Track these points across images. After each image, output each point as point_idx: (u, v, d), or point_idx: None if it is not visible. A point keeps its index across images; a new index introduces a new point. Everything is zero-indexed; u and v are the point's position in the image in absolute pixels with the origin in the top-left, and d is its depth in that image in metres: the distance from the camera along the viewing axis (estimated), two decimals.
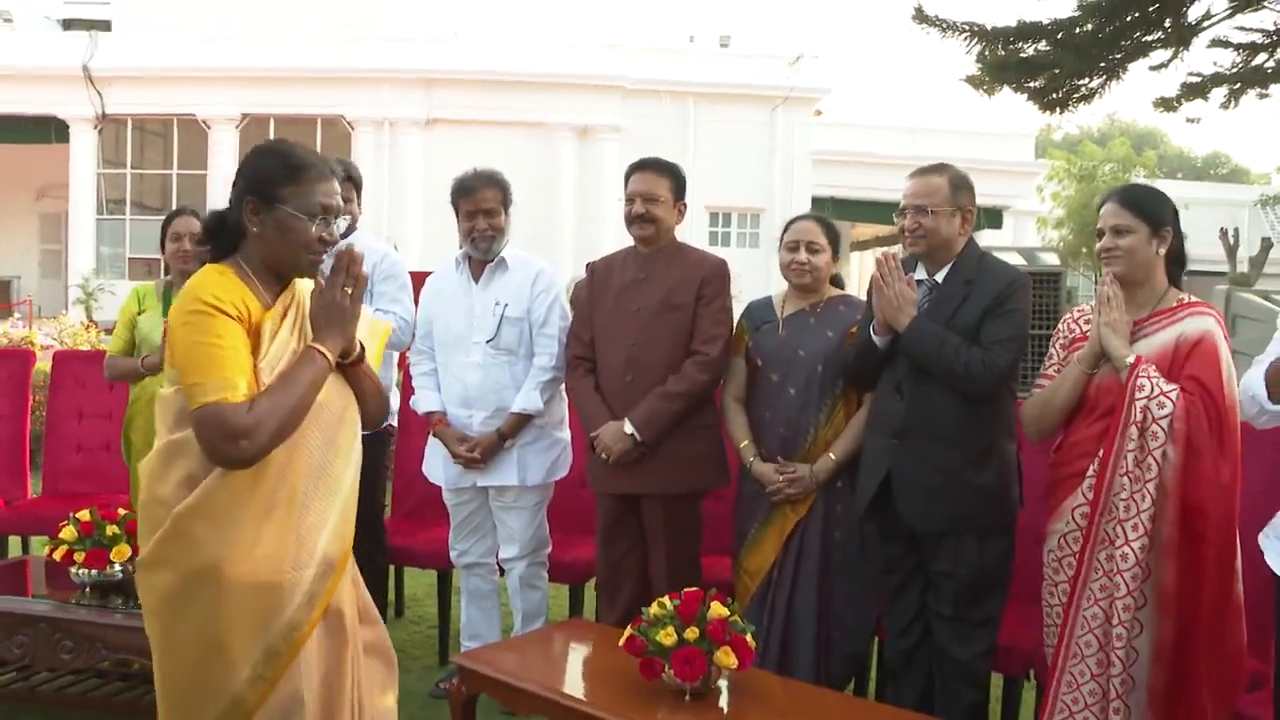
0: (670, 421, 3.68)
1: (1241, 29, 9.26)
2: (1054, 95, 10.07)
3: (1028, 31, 9.59)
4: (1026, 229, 29.89)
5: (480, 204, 3.96)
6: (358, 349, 2.36)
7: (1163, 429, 2.81)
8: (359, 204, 4.25)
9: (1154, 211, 3.02)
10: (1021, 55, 9.68)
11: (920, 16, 9.63)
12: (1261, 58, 9.16)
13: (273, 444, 2.12)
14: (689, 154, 23.19)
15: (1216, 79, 9.60)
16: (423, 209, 22.68)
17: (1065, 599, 3.03)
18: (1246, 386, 2.70)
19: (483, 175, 4.02)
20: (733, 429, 3.77)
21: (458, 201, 4.01)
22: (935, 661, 3.40)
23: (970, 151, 27.21)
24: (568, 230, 23.57)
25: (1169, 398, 2.81)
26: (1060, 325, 3.24)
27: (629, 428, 3.67)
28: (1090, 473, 2.96)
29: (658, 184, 3.81)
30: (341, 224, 2.37)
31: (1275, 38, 9.03)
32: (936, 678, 3.41)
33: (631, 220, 3.81)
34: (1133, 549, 2.82)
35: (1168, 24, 9.14)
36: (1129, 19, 9.19)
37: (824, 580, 3.59)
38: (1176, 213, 3.07)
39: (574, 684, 3.13)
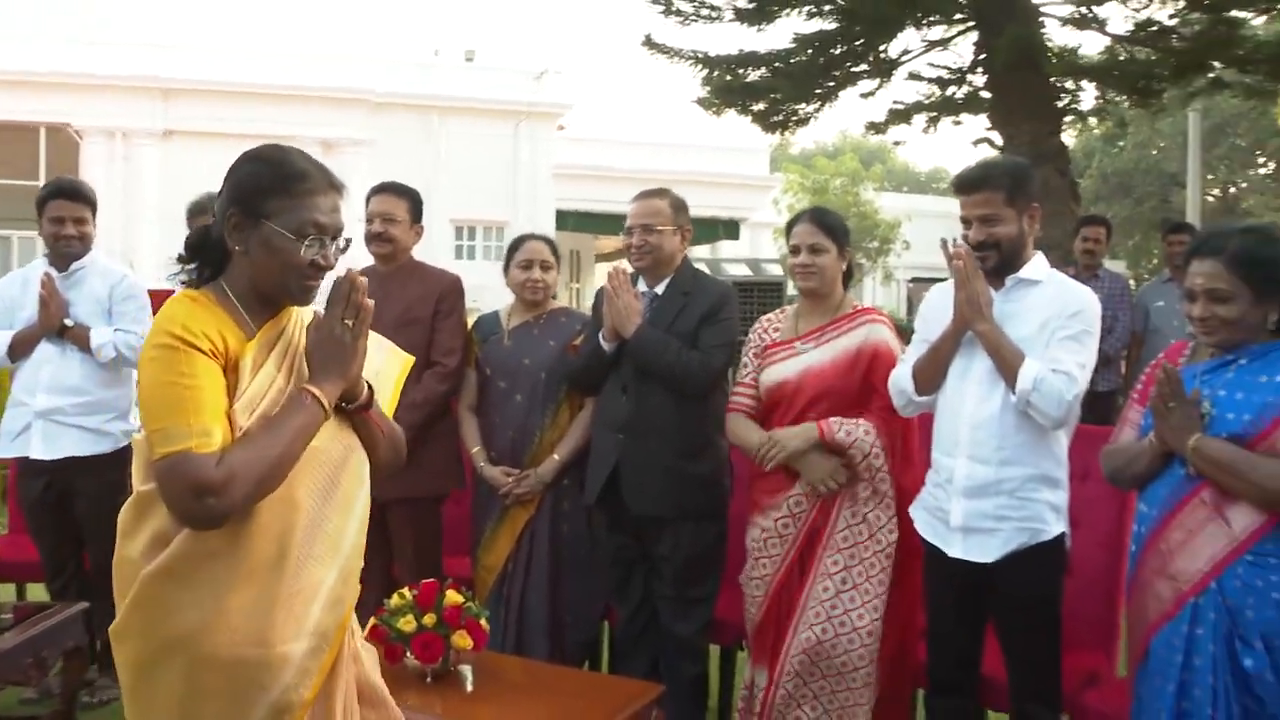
0: (411, 429, 3.88)
1: (933, 65, 10.29)
2: (775, 118, 10.78)
3: (748, 60, 10.25)
4: (763, 240, 30.99)
5: None
6: (364, 392, 2.02)
7: (879, 464, 3.31)
8: (94, 224, 4.26)
9: (843, 233, 3.51)
10: (745, 81, 10.34)
11: (649, 43, 10.19)
12: (951, 90, 10.16)
13: (247, 502, 1.80)
14: (434, 167, 23.21)
15: (918, 107, 10.55)
16: (159, 225, 21.51)
17: (768, 588, 3.42)
18: (895, 382, 3.18)
19: (206, 196, 4.16)
20: (466, 435, 4.01)
21: (195, 222, 4.12)
22: (659, 640, 3.72)
23: (709, 165, 28.19)
24: None
25: (868, 440, 3.29)
26: (751, 334, 3.65)
27: None
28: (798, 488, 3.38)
29: (396, 205, 4.03)
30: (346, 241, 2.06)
31: (960, 74, 10.04)
32: (661, 655, 3.72)
33: (370, 239, 4.02)
34: (879, 559, 3.31)
35: (871, 58, 10.02)
36: (838, 52, 10.00)
37: (555, 571, 3.87)
38: (849, 232, 3.58)
39: None
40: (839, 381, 3.38)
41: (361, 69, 24.52)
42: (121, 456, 4.29)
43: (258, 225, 1.92)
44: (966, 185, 3.04)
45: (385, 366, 2.18)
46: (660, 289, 3.73)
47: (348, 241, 2.04)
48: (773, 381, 3.47)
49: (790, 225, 3.57)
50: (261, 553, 1.85)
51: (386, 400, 2.15)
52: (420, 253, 4.26)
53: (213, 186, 4.22)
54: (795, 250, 3.48)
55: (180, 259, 2.05)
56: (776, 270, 10.27)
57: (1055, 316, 2.93)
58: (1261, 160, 30.37)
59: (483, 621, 3.04)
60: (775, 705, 3.36)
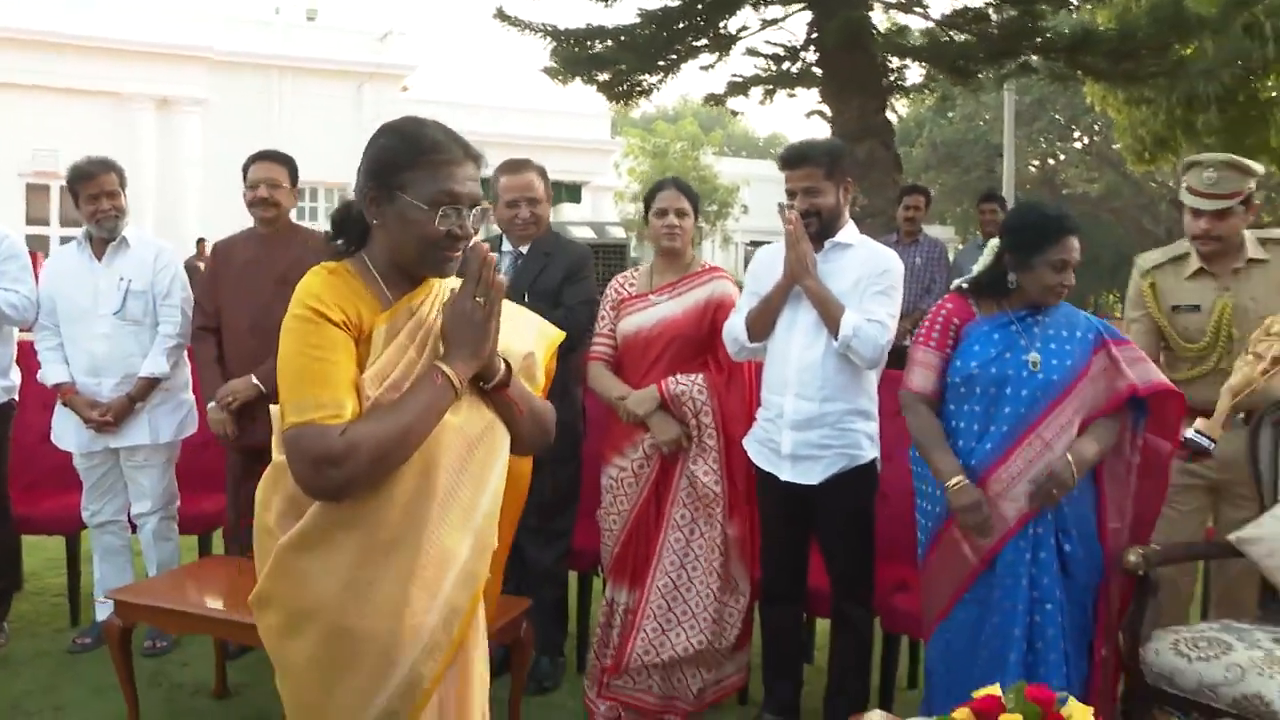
0: None
1: (769, 43, 10.82)
2: (620, 88, 11.18)
3: (595, 33, 10.62)
4: (605, 203, 31.04)
5: (103, 187, 4.28)
6: (500, 370, 1.96)
7: (707, 421, 3.71)
8: None
9: (697, 200, 3.94)
10: (591, 52, 10.69)
11: (501, 15, 10.47)
12: (786, 65, 10.71)
13: (370, 475, 1.78)
14: (275, 128, 22.69)
15: (754, 80, 11.05)
16: None
17: (625, 522, 3.81)
18: (729, 330, 3.61)
19: (99, 161, 4.33)
20: None
21: (77, 186, 4.30)
22: (522, 568, 4.06)
23: (552, 130, 28.28)
24: (148, 203, 22.24)
25: (700, 398, 3.69)
26: (608, 290, 4.02)
27: (255, 380, 4.14)
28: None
29: (278, 172, 4.29)
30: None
31: (794, 51, 10.60)
32: (524, 582, 4.04)
33: (255, 204, 4.27)
34: (720, 504, 3.70)
35: (711, 34, 10.49)
36: (680, 26, 10.44)
37: None
38: (700, 199, 4.02)
39: (219, 601, 3.59)
40: (690, 329, 3.79)
41: (200, 26, 23.76)
42: (1, 413, 4.45)
43: (393, 198, 1.90)
44: (790, 161, 3.51)
45: (535, 343, 2.15)
46: (525, 249, 4.09)
47: (485, 211, 1.98)
48: (630, 330, 3.87)
49: (654, 191, 3.94)
50: (395, 524, 1.84)
51: (535, 379, 2.14)
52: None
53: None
54: (662, 213, 3.85)
55: (328, 235, 2.06)
56: (619, 233, 10.71)
57: (867, 275, 3.42)
58: (1076, 135, 32.06)
59: None
60: (636, 651, 3.68)
